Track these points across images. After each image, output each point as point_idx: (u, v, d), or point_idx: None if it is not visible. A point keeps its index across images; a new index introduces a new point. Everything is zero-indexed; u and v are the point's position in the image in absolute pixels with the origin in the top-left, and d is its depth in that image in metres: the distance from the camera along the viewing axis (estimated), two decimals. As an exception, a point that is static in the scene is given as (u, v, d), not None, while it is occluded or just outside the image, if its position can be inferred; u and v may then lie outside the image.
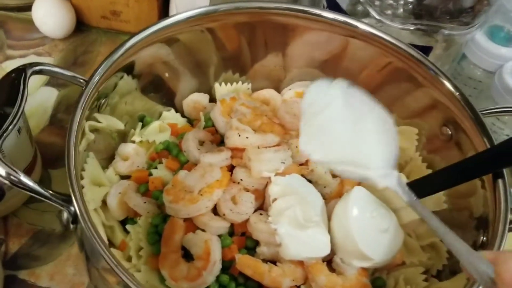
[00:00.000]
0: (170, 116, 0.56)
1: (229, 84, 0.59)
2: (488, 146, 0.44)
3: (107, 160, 0.52)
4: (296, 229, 0.44)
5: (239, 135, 0.47)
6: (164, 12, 0.71)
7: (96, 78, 0.42)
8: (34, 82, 0.64)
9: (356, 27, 0.52)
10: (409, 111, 0.54)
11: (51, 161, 0.57)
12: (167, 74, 0.55)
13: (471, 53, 0.66)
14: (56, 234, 0.52)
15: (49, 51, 0.68)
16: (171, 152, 0.51)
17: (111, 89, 0.47)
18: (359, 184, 0.50)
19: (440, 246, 0.49)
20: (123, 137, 0.53)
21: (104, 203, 0.48)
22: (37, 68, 0.41)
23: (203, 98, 0.58)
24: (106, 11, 0.69)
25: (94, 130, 0.45)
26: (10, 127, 0.37)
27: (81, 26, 0.71)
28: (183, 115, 0.58)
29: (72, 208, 0.37)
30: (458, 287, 0.43)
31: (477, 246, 0.43)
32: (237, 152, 0.48)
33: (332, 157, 0.43)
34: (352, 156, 0.43)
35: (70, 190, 0.36)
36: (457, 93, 0.48)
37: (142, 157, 0.51)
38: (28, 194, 0.38)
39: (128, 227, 0.46)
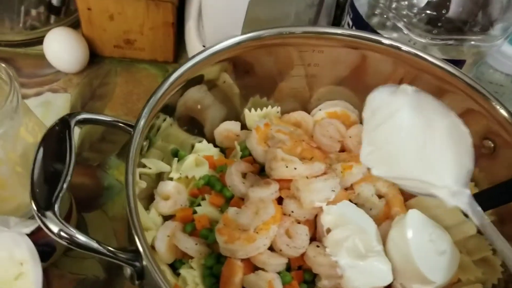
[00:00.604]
0: (203, 147, 0.55)
1: (258, 109, 0.58)
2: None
3: (146, 200, 0.50)
4: (357, 260, 0.43)
5: (287, 166, 0.46)
6: (178, 38, 0.69)
7: (142, 122, 0.41)
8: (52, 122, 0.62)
9: (380, 42, 0.51)
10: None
11: (84, 204, 0.56)
12: (199, 106, 0.53)
13: (491, 58, 0.66)
14: (100, 282, 0.51)
15: (64, 86, 0.66)
16: (214, 188, 0.50)
17: (155, 132, 0.46)
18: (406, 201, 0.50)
19: (493, 259, 0.48)
20: (159, 174, 0.52)
21: (151, 247, 0.46)
22: (80, 117, 0.39)
23: (235, 126, 0.57)
24: (119, 40, 0.67)
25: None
26: (65, 185, 0.35)
27: (93, 57, 0.69)
28: (215, 145, 0.57)
29: (138, 264, 0.35)
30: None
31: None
32: (283, 183, 0.47)
33: (397, 172, 0.41)
34: (420, 171, 0.41)
35: (140, 247, 0.34)
36: (498, 106, 0.48)
37: (183, 194, 0.50)
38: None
39: (182, 271, 0.45)
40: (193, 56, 0.47)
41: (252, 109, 0.58)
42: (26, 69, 0.68)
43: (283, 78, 0.57)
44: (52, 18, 0.70)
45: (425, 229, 0.45)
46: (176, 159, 0.53)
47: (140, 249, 0.34)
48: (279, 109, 0.59)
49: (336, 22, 0.76)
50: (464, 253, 0.49)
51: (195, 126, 0.55)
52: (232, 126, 0.57)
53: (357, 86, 0.58)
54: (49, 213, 0.33)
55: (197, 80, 0.49)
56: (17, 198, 0.39)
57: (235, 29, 0.48)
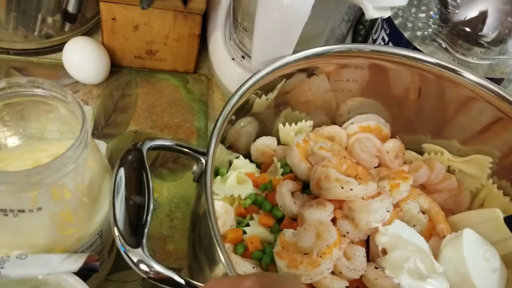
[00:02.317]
0: (241, 163, 0.54)
1: (293, 124, 0.57)
2: None
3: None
4: (418, 281, 0.43)
5: (342, 187, 0.46)
6: (200, 49, 0.68)
7: (211, 150, 0.40)
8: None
9: (429, 62, 0.52)
10: (480, 138, 0.55)
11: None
12: (242, 124, 0.52)
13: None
14: (144, 305, 0.49)
15: (84, 98, 0.64)
16: (263, 208, 0.49)
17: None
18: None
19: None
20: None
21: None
22: (152, 145, 0.38)
23: (271, 141, 0.56)
24: (141, 51, 0.66)
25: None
26: (149, 219, 0.34)
27: (112, 67, 0.67)
28: (250, 160, 0.56)
29: None
30: None
31: None
32: (335, 202, 0.47)
33: None
34: None
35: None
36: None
37: (231, 214, 0.49)
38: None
39: (242, 296, 0.44)
40: (249, 78, 0.46)
41: (286, 124, 0.57)
42: (41, 80, 0.65)
43: (317, 93, 0.57)
44: (67, 26, 0.67)
45: (479, 247, 0.46)
46: (218, 177, 0.52)
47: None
48: (311, 122, 0.59)
49: (356, 35, 0.76)
50: (507, 265, 0.51)
51: (232, 143, 0.55)
52: (269, 142, 0.56)
53: (384, 98, 0.59)
54: (139, 251, 0.32)
55: (248, 106, 0.49)
56: (81, 229, 0.38)
57: (285, 47, 0.47)
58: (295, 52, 0.49)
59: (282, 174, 0.53)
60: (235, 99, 0.44)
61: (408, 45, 0.56)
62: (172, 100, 0.66)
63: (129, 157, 0.36)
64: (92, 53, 0.62)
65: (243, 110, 0.50)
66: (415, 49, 0.55)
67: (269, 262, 0.45)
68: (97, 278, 0.46)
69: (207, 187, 0.36)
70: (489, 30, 0.53)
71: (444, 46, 0.53)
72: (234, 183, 0.52)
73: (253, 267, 0.45)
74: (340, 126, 0.60)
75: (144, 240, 0.33)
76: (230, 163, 0.55)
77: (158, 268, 0.33)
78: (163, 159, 0.60)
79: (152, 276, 0.32)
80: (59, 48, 0.66)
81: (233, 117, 0.48)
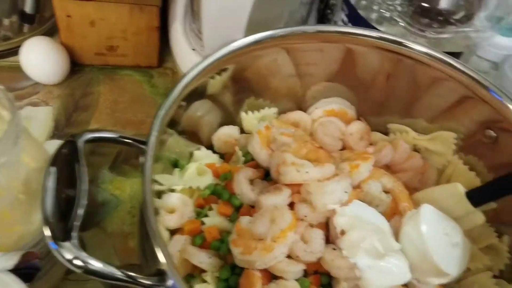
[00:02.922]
0: (202, 154, 0.53)
1: (255, 111, 0.56)
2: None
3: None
4: (376, 260, 0.42)
5: (298, 171, 0.45)
6: (163, 43, 0.67)
7: (153, 137, 0.39)
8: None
9: (388, 40, 0.51)
10: (444, 115, 0.54)
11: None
12: (198, 113, 0.51)
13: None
14: (106, 303, 0.49)
15: (44, 99, 0.63)
16: (222, 197, 0.48)
17: (163, 146, 0.44)
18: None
19: (499, 246, 0.49)
20: (160, 186, 0.50)
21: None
22: (88, 137, 0.37)
23: (233, 130, 0.55)
24: (101, 47, 0.65)
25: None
26: (79, 212, 0.33)
27: (72, 65, 0.66)
28: (213, 151, 0.55)
29: None
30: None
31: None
32: (293, 187, 0.46)
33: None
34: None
35: (168, 270, 0.33)
36: (502, 97, 0.48)
37: (190, 206, 0.48)
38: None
39: (198, 286, 0.43)
40: (198, 63, 0.45)
41: (249, 112, 0.56)
42: (1, 83, 0.64)
43: (278, 79, 0.56)
44: (26, 27, 0.66)
45: (438, 222, 0.45)
46: (177, 169, 0.51)
47: (169, 272, 0.32)
48: (276, 109, 0.58)
49: (319, 17, 0.75)
50: (470, 241, 0.50)
51: (192, 133, 0.54)
52: (230, 131, 0.55)
53: (351, 82, 0.58)
54: (67, 244, 0.31)
55: (200, 92, 0.48)
56: (20, 228, 0.37)
57: (235, 32, 0.47)
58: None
59: (245, 163, 0.52)
60: (180, 87, 0.43)
61: (366, 24, 0.55)
62: (135, 96, 0.66)
63: (63, 150, 0.35)
64: (49, 52, 0.61)
65: (196, 94, 0.48)
66: (371, 27, 0.54)
67: (227, 251, 0.44)
68: (54, 277, 0.46)
69: (145, 177, 0.35)
70: (446, 3, 0.52)
71: (402, 24, 0.52)
72: (194, 174, 0.51)
73: (209, 257, 0.44)
74: (306, 111, 0.59)
75: (73, 233, 0.32)
76: (192, 155, 0.54)
77: (86, 259, 0.32)
78: (126, 156, 0.59)
79: (78, 266, 0.31)
80: (18, 50, 0.65)
81: (184, 103, 0.47)
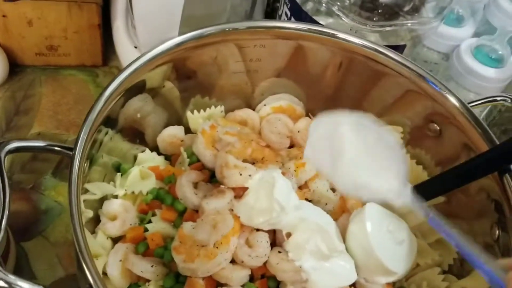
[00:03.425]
0: (147, 157, 0.52)
1: (201, 110, 0.55)
2: (484, 139, 0.45)
3: (91, 223, 0.46)
4: (321, 261, 0.42)
5: (240, 174, 0.44)
6: (106, 40, 0.65)
7: (81, 143, 0.37)
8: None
9: (328, 34, 0.50)
10: (391, 109, 0.54)
11: (22, 232, 0.51)
12: (139, 115, 0.50)
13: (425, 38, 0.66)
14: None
15: (-17, 103, 0.60)
16: (164, 202, 0.47)
17: (96, 149, 0.42)
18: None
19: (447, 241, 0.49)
20: (102, 192, 0.48)
21: (103, 273, 0.43)
22: (11, 147, 0.35)
23: (178, 131, 0.54)
24: (41, 47, 0.62)
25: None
26: (2, 224, 0.31)
27: (13, 67, 0.63)
28: (158, 153, 0.54)
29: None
30: (481, 282, 0.44)
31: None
32: (239, 190, 0.45)
33: (344, 178, 0.42)
34: (366, 178, 0.42)
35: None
36: (443, 90, 0.48)
37: (132, 212, 0.47)
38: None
39: (142, 297, 0.42)
40: (132, 62, 0.43)
41: (195, 111, 0.55)
42: None
43: (223, 76, 0.55)
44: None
45: (383, 220, 0.45)
46: (119, 174, 0.49)
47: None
48: (222, 108, 0.56)
49: (269, 10, 0.74)
50: (420, 237, 0.50)
51: (136, 135, 0.52)
52: (175, 131, 0.54)
53: (299, 77, 0.57)
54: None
55: (138, 88, 0.46)
56: None
57: (170, 29, 0.45)
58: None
59: (190, 164, 0.51)
60: (115, 85, 0.41)
61: (308, 18, 0.54)
62: (79, 97, 0.63)
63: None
64: (-16, 54, 0.59)
65: (133, 90, 0.47)
66: (312, 21, 0.53)
67: (171, 258, 0.43)
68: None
69: (71, 188, 0.33)
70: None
71: (343, 17, 0.51)
72: (137, 178, 0.50)
73: (152, 266, 0.43)
74: (255, 109, 0.58)
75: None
76: (136, 158, 0.52)
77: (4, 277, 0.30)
78: (68, 160, 0.57)
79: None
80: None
81: (119, 101, 0.45)
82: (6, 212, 0.32)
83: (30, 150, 0.37)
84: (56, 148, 0.37)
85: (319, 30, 0.50)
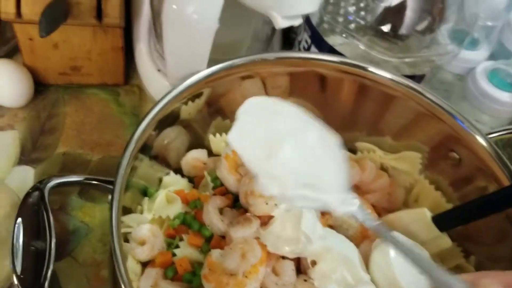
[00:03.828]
0: (172, 180, 0.53)
1: (223, 133, 0.56)
2: (505, 173, 0.46)
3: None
4: (346, 291, 0.43)
5: (267, 203, 0.46)
6: (129, 60, 0.66)
7: (120, 179, 0.38)
8: (2, 164, 0.58)
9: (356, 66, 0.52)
10: (411, 135, 0.55)
11: (51, 253, 0.52)
12: (166, 141, 0.51)
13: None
14: None
15: (10, 123, 0.62)
16: (191, 227, 0.48)
17: (133, 173, 0.44)
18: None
19: (466, 266, 0.50)
20: (128, 217, 0.49)
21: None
22: (53, 183, 0.37)
23: (201, 154, 0.55)
24: (65, 67, 0.63)
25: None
26: (51, 266, 0.33)
27: (37, 86, 0.64)
28: (182, 175, 0.55)
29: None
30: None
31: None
32: (264, 218, 0.47)
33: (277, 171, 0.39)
34: (301, 174, 0.38)
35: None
36: (463, 123, 0.49)
37: (160, 237, 0.48)
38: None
39: (173, 324, 0.43)
40: (166, 94, 0.45)
41: (217, 134, 0.56)
42: (-39, 107, 0.63)
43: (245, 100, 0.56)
44: (-14, 48, 0.64)
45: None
46: (146, 198, 0.51)
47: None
48: (243, 131, 0.57)
49: (286, 29, 0.75)
50: (439, 262, 0.51)
51: (161, 159, 0.53)
52: (199, 155, 0.55)
53: (315, 100, 0.58)
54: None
55: (172, 118, 0.47)
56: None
57: (198, 61, 0.46)
58: (216, 62, 0.48)
59: (214, 188, 0.52)
60: (146, 122, 0.42)
61: (329, 47, 0.55)
62: (102, 116, 0.65)
63: (29, 199, 0.35)
64: (12, 75, 0.60)
65: (167, 121, 0.48)
66: (333, 51, 0.55)
67: (199, 284, 0.44)
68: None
69: (112, 226, 0.35)
70: (408, 27, 0.53)
71: (363, 48, 0.52)
72: (163, 202, 0.51)
73: (182, 292, 0.44)
74: (274, 131, 0.59)
75: (46, 286, 0.32)
76: (161, 181, 0.54)
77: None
78: (94, 180, 0.58)
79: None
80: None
81: (154, 132, 0.46)
82: (53, 247, 0.33)
83: (71, 185, 0.38)
84: (94, 182, 0.39)
85: (351, 63, 0.51)
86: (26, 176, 0.57)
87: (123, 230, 0.42)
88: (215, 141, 0.56)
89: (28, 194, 0.35)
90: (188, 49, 0.45)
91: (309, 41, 0.57)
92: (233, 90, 0.53)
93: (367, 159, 0.56)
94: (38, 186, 0.36)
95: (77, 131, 0.63)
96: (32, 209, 0.35)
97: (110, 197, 0.41)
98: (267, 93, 0.56)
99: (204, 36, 0.44)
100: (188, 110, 0.50)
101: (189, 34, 0.43)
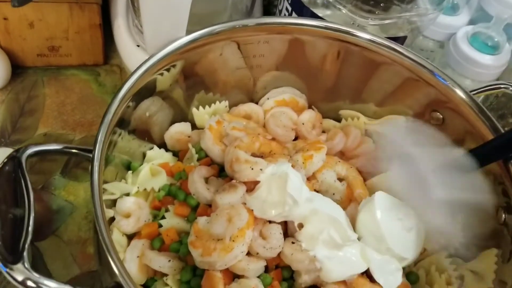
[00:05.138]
0: (155, 154, 0.53)
1: (206, 106, 0.56)
2: (489, 127, 0.46)
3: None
4: (334, 250, 0.43)
5: (252, 168, 0.45)
6: (108, 39, 0.65)
7: (99, 145, 0.38)
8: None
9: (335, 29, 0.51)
10: (392, 99, 0.55)
11: (35, 232, 0.51)
12: (147, 114, 0.51)
13: (422, 26, 0.67)
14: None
15: (-12, 106, 0.61)
16: (177, 197, 0.48)
17: (111, 150, 0.43)
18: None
19: (453, 225, 0.51)
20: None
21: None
22: (30, 151, 0.36)
23: (185, 127, 0.55)
24: (43, 48, 0.62)
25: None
26: (30, 230, 0.32)
27: (14, 69, 0.63)
28: (166, 149, 0.54)
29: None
30: (488, 265, 0.46)
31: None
32: (250, 183, 0.46)
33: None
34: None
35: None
36: (446, 80, 0.49)
37: (145, 209, 0.47)
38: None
39: (160, 292, 0.43)
40: (143, 63, 0.44)
41: (200, 107, 0.55)
42: None
43: (227, 72, 0.55)
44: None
45: (392, 208, 0.46)
46: (130, 172, 0.50)
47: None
48: (227, 103, 0.57)
49: (265, 3, 0.75)
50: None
51: (143, 133, 0.53)
52: (182, 128, 0.55)
53: (299, 70, 0.58)
54: (19, 266, 0.30)
55: (149, 89, 0.47)
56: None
57: (177, 29, 0.46)
58: (191, 32, 0.47)
59: (198, 160, 0.52)
60: (126, 87, 0.42)
61: (309, 12, 0.54)
62: (83, 96, 0.64)
63: (5, 168, 0.34)
64: (-13, 57, 0.59)
65: (144, 92, 0.47)
66: (315, 17, 0.54)
67: (186, 252, 0.44)
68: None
69: (93, 188, 0.34)
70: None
71: (344, 12, 0.52)
72: (148, 176, 0.50)
73: (169, 260, 0.44)
74: (257, 103, 0.59)
75: (25, 254, 0.31)
76: (145, 155, 0.53)
77: (48, 282, 0.31)
78: (77, 160, 0.58)
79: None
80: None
81: (131, 103, 0.46)
82: (32, 214, 0.33)
83: (48, 153, 0.37)
84: (74, 151, 0.38)
85: (335, 28, 0.51)
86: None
87: (105, 197, 0.42)
88: (198, 114, 0.55)
89: (4, 163, 0.35)
90: (166, 16, 0.44)
91: (289, 8, 0.56)
92: (211, 61, 0.53)
93: (351, 126, 0.56)
94: (15, 155, 0.35)
95: (57, 112, 0.62)
96: (9, 177, 0.34)
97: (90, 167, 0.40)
98: (246, 63, 0.55)
99: (182, 1, 0.43)
100: (166, 81, 0.49)
101: (166, 0, 0.42)
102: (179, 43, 0.46)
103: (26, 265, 0.31)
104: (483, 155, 0.44)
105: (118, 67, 0.67)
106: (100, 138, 0.38)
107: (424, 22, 0.55)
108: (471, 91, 0.49)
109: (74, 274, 0.50)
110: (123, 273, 0.32)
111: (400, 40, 0.55)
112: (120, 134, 0.45)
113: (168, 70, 0.48)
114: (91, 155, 0.39)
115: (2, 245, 0.31)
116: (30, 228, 0.33)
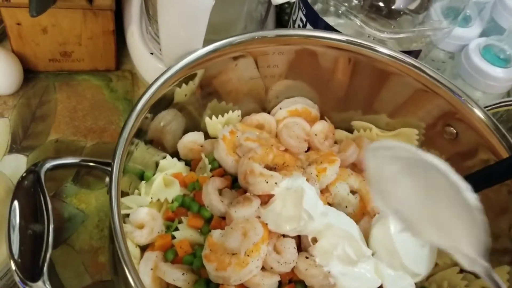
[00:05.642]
0: (168, 164, 0.53)
1: (220, 116, 0.56)
2: (503, 145, 0.46)
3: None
4: (348, 266, 0.43)
5: (267, 182, 0.45)
6: (120, 45, 0.65)
7: (117, 159, 0.38)
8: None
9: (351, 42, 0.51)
10: (407, 111, 0.55)
11: (47, 240, 0.52)
12: (162, 124, 0.50)
13: (433, 37, 0.67)
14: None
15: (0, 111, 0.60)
16: (191, 209, 0.48)
17: (128, 161, 0.43)
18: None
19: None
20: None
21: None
22: (49, 165, 0.36)
23: (198, 137, 0.55)
24: (55, 53, 0.62)
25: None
26: (49, 248, 0.32)
27: (26, 73, 0.63)
28: (178, 158, 0.54)
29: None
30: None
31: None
32: (264, 196, 0.46)
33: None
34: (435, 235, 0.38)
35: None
36: (460, 96, 0.49)
37: (158, 220, 0.47)
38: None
39: (175, 306, 0.43)
40: (161, 75, 0.44)
41: (213, 116, 0.55)
42: (-51, 95, 0.61)
43: (241, 82, 0.55)
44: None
45: (406, 224, 0.46)
46: (143, 182, 0.50)
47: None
48: (239, 112, 0.57)
49: (277, 9, 0.75)
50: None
51: (157, 142, 0.53)
52: (196, 137, 0.54)
53: (312, 80, 0.58)
54: (39, 284, 0.30)
55: (167, 100, 0.47)
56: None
57: (194, 39, 0.45)
58: (210, 42, 0.47)
59: (211, 170, 0.51)
60: (140, 106, 0.42)
61: (324, 25, 0.54)
62: (94, 102, 0.64)
63: (24, 182, 0.34)
64: (0, 61, 0.58)
65: (162, 104, 0.47)
66: (330, 28, 0.54)
67: (200, 265, 0.44)
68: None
69: (112, 205, 0.34)
70: (400, 3, 0.52)
71: (358, 24, 0.52)
72: (161, 186, 0.50)
73: (183, 274, 0.44)
74: (270, 112, 0.59)
75: (44, 270, 0.31)
76: (157, 165, 0.53)
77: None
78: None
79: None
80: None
81: (149, 115, 0.46)
82: (52, 229, 0.33)
83: (68, 167, 0.37)
84: (92, 164, 0.38)
85: (355, 42, 0.51)
86: (18, 165, 0.56)
87: (123, 211, 0.42)
88: (211, 123, 0.55)
89: (23, 177, 0.34)
90: (184, 28, 0.44)
91: (304, 19, 0.56)
92: (227, 71, 0.53)
93: (364, 137, 0.56)
94: (33, 169, 0.35)
95: (69, 117, 0.62)
96: (28, 192, 0.34)
97: (107, 179, 0.40)
98: (260, 73, 0.55)
99: (200, 12, 0.43)
100: (183, 93, 0.49)
101: (184, 11, 0.42)
102: (199, 53, 0.46)
103: (45, 282, 0.31)
104: (482, 179, 0.44)
105: (129, 73, 0.67)
106: (119, 152, 0.38)
107: (438, 36, 0.54)
108: (485, 107, 0.49)
109: (86, 283, 0.50)
110: (137, 283, 0.32)
111: (414, 53, 0.55)
112: (136, 145, 0.45)
113: (186, 81, 0.48)
114: (108, 168, 0.38)
115: (21, 263, 0.31)
116: (50, 243, 0.32)
